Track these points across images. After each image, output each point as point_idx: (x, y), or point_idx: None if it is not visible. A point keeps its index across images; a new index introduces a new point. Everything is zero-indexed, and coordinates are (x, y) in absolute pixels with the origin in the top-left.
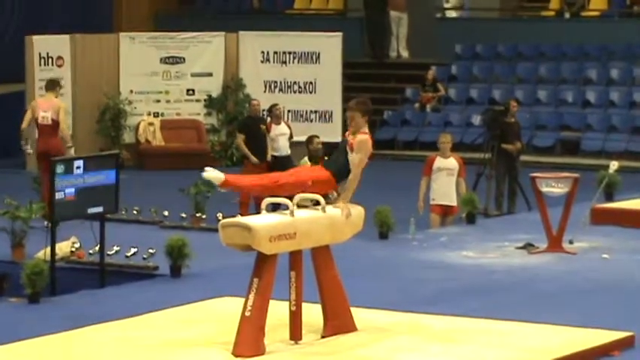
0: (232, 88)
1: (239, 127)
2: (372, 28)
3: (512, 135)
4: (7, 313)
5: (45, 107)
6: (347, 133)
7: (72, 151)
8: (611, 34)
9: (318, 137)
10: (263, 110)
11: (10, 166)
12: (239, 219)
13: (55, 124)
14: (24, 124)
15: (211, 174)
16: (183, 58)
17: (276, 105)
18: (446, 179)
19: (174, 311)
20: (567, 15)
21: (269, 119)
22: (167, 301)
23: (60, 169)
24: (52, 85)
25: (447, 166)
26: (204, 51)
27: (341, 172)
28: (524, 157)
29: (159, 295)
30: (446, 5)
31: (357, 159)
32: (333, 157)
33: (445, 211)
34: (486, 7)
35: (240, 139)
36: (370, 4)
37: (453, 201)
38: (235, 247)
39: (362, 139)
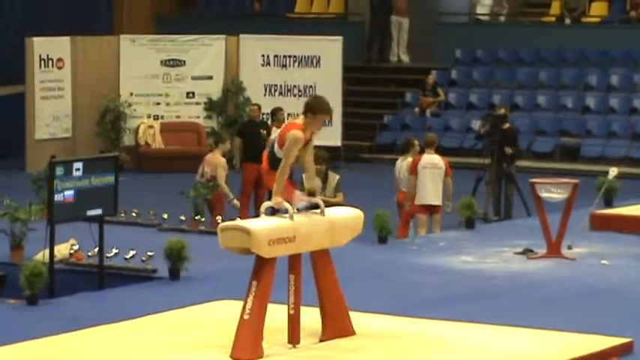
0: (232, 91)
1: (237, 130)
2: (377, 33)
3: (507, 141)
4: (5, 314)
5: (207, 163)
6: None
7: (235, 202)
8: (612, 40)
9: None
10: (264, 114)
11: (9, 167)
12: (238, 222)
13: (213, 179)
14: (197, 177)
15: None
16: (184, 61)
17: (280, 110)
18: None
19: (172, 314)
20: (568, 21)
21: (270, 122)
22: (165, 303)
23: (60, 170)
24: (218, 141)
25: None
26: (205, 54)
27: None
28: (523, 163)
29: (157, 298)
30: (480, 11)
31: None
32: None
33: None
34: (487, 12)
35: (236, 141)
36: (376, 8)
37: None
38: (234, 251)
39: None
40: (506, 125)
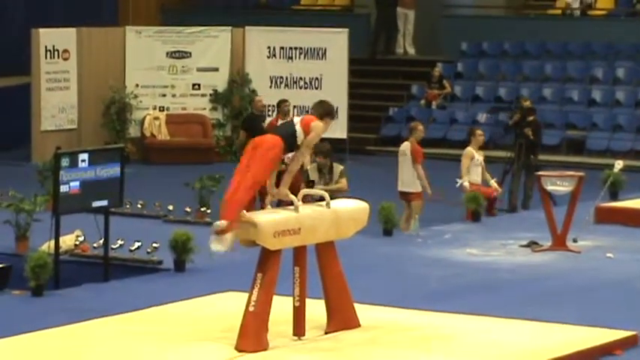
0: (238, 83)
1: (242, 124)
2: (383, 25)
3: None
4: (10, 305)
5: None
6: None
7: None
8: (618, 33)
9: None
10: (268, 105)
11: (15, 158)
12: (244, 214)
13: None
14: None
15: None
16: (190, 53)
17: (285, 101)
18: None
19: (177, 305)
20: (574, 13)
21: (276, 114)
22: (171, 295)
23: (65, 162)
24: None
25: None
26: (211, 46)
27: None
28: None
29: (162, 290)
30: (574, 5)
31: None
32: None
33: None
34: (493, 4)
35: (242, 136)
36: (382, 0)
37: None
38: (240, 242)
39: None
40: (531, 117)
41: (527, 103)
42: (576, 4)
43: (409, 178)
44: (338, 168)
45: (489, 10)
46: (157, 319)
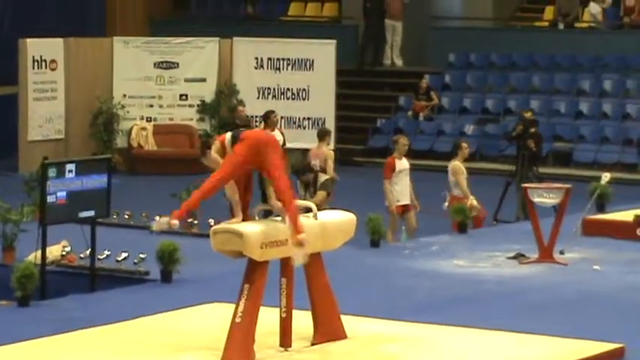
0: (226, 93)
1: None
2: (370, 36)
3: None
4: None
5: (314, 156)
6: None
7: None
8: (605, 45)
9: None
10: (255, 116)
11: (2, 168)
12: (231, 225)
13: (322, 170)
14: None
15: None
16: (177, 63)
17: (273, 112)
18: (405, 179)
19: (164, 316)
20: (561, 26)
21: (263, 125)
22: (157, 306)
23: (52, 172)
24: (323, 135)
25: (405, 167)
26: (198, 56)
27: None
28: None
29: (149, 300)
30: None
31: None
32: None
33: (404, 210)
34: (480, 16)
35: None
36: (370, 12)
37: (409, 199)
38: (226, 254)
39: None
40: (533, 129)
41: (530, 115)
42: (599, 17)
43: (401, 190)
44: (321, 179)
45: (477, 22)
46: (144, 329)
